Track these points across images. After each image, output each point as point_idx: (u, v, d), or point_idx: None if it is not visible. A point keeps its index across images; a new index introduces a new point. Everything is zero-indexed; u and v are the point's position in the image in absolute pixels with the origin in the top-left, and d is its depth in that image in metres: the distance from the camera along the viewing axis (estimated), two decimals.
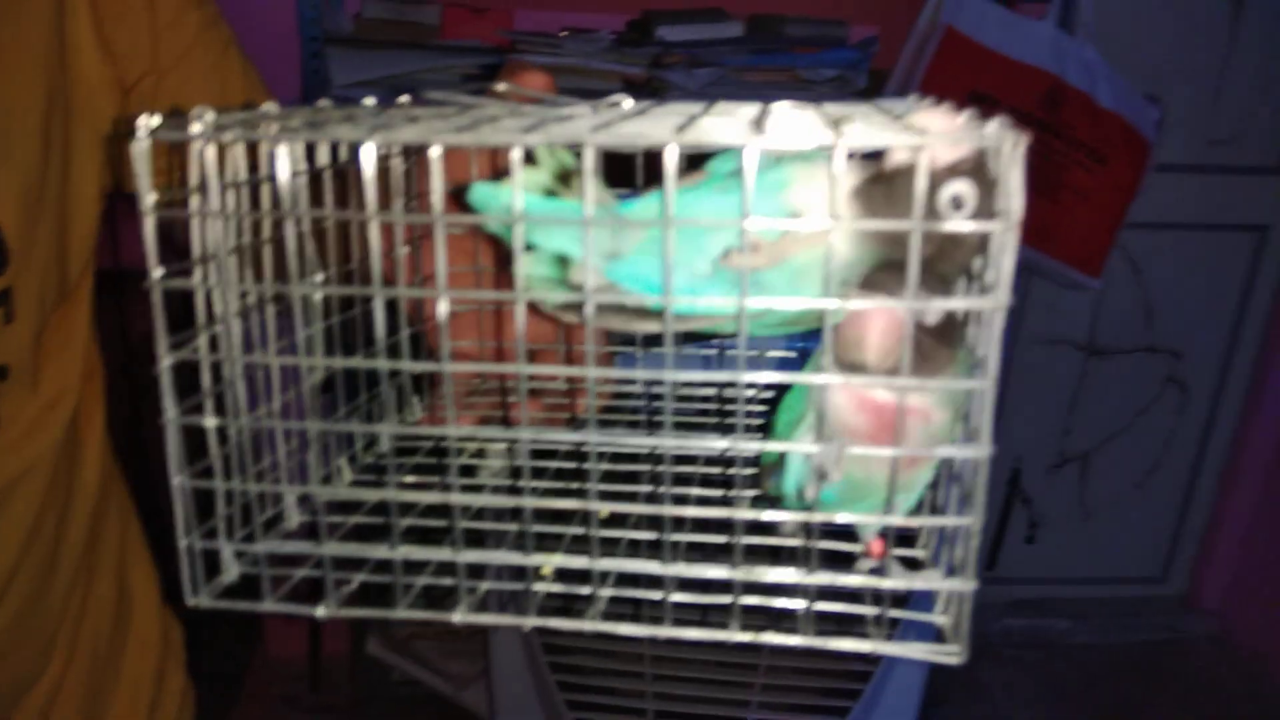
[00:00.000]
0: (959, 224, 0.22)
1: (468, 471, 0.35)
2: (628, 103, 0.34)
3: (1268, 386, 2.29)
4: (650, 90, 1.56)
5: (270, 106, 0.29)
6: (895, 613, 0.27)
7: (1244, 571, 2.41)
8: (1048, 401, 2.31)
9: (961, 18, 1.48)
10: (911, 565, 0.31)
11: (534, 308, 0.33)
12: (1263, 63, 2.00)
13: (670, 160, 0.22)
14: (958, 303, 0.23)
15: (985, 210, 0.24)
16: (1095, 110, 1.56)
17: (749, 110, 0.36)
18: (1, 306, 0.53)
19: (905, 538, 0.31)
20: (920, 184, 0.22)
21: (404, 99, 0.39)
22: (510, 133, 0.22)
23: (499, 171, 0.38)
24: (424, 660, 1.73)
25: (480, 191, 0.28)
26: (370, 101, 0.36)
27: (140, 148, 0.24)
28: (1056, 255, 1.60)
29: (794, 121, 0.26)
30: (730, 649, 1.30)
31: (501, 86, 0.37)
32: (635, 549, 0.30)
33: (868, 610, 0.27)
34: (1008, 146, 0.21)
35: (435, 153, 0.23)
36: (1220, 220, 2.16)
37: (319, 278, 0.32)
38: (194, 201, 0.26)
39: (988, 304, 0.23)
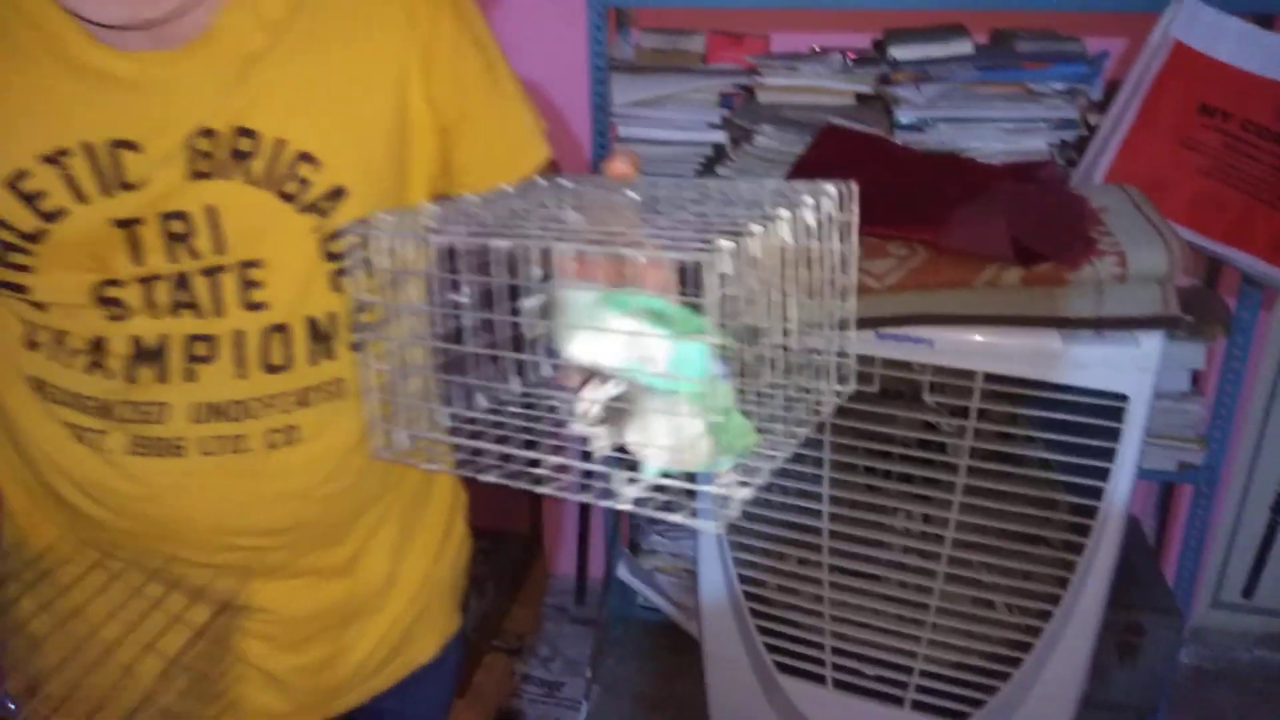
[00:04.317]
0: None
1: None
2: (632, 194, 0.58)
3: None
4: (881, 105, 1.72)
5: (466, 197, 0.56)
6: (714, 506, 0.50)
7: None
8: None
9: (1192, 32, 1.49)
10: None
11: None
12: None
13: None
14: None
15: None
16: None
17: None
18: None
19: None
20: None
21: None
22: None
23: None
24: (662, 590, 2.03)
25: None
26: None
27: (379, 245, 0.53)
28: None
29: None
30: (902, 604, 1.47)
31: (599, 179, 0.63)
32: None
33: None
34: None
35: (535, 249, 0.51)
36: None
37: (466, 290, 0.60)
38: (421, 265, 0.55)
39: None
